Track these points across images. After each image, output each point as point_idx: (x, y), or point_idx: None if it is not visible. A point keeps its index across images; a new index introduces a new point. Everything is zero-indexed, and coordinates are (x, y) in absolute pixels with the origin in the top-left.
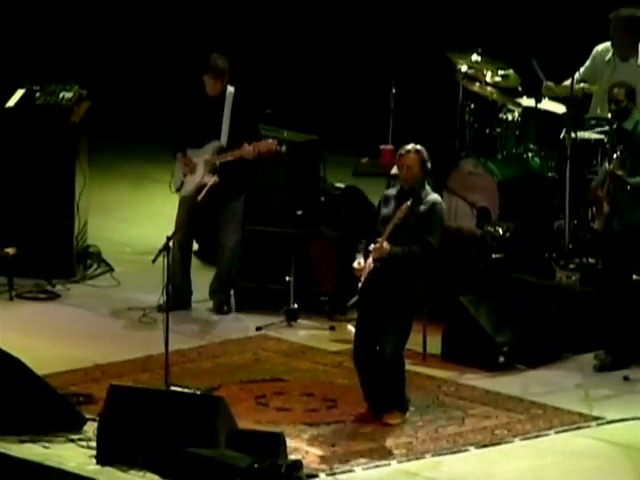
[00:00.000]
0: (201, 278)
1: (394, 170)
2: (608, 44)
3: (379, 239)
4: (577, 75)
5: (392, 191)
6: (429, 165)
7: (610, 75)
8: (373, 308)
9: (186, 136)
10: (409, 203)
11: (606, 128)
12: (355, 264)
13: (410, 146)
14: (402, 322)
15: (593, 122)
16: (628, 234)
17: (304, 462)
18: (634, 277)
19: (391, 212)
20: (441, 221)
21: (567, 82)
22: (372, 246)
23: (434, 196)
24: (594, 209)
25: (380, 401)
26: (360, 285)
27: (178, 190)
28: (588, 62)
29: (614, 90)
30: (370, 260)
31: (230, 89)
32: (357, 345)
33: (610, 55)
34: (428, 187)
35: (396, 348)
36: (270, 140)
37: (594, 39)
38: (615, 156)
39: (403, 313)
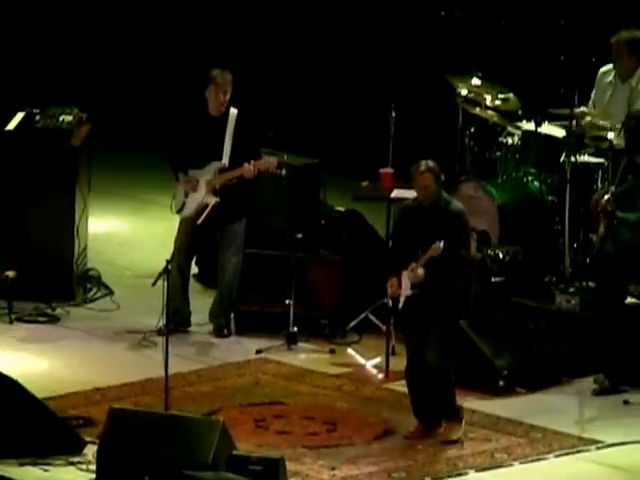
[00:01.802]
0: (201, 301)
1: (394, 194)
2: (610, 66)
3: (414, 264)
4: (590, 102)
5: (410, 205)
6: (442, 177)
7: (610, 96)
8: (417, 324)
9: (188, 156)
10: (441, 246)
11: (605, 146)
12: (388, 288)
13: (423, 166)
14: (443, 330)
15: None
16: (619, 256)
17: None
18: (629, 300)
19: (414, 226)
20: (467, 228)
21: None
22: (405, 273)
23: (455, 205)
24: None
25: (432, 415)
26: (400, 307)
27: (179, 211)
28: (595, 86)
29: (628, 121)
30: (407, 285)
31: (233, 110)
32: (409, 364)
33: (612, 77)
34: (445, 195)
35: (440, 356)
36: (270, 158)
37: (596, 62)
38: (609, 195)
39: (444, 321)
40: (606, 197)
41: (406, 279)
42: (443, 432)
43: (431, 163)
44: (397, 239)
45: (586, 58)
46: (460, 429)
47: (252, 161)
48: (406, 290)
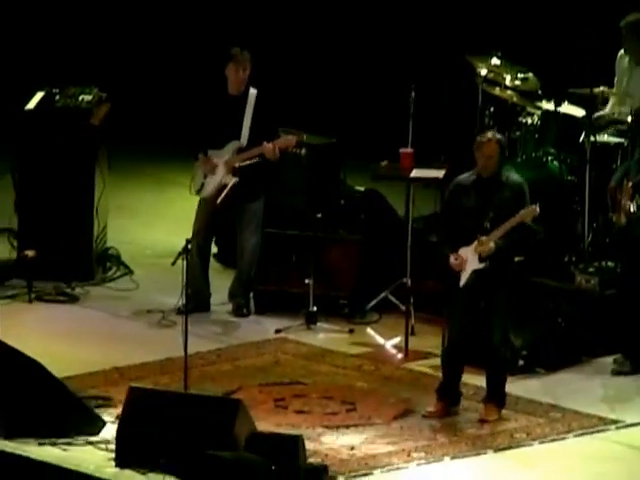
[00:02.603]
0: (220, 281)
1: (413, 173)
2: None
3: (483, 238)
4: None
5: (466, 179)
6: (506, 152)
7: (628, 80)
8: (475, 303)
9: (207, 137)
10: (537, 208)
11: (624, 127)
12: (452, 260)
13: (490, 134)
14: (507, 311)
15: (612, 121)
16: None
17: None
18: None
19: (474, 203)
20: (529, 199)
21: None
22: (472, 246)
23: (514, 177)
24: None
25: (455, 396)
26: (462, 282)
27: (198, 192)
28: (615, 69)
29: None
30: (473, 259)
31: (252, 90)
32: (451, 343)
33: (627, 60)
34: (503, 169)
35: (504, 338)
36: (289, 136)
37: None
38: (634, 203)
39: (507, 299)
40: (631, 208)
41: (472, 253)
42: (483, 411)
43: (498, 134)
44: (451, 214)
45: (596, 47)
46: (498, 414)
47: (272, 141)
48: (472, 265)
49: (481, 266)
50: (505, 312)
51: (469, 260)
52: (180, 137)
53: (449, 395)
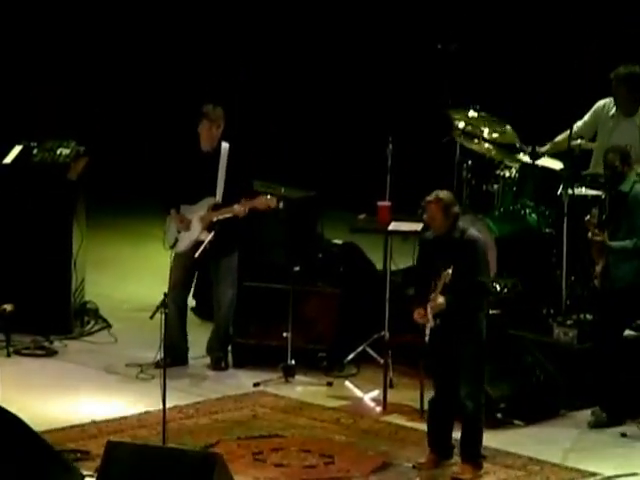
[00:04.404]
0: (198, 334)
1: (391, 227)
2: (611, 99)
3: (433, 295)
4: (574, 129)
5: (430, 235)
6: (455, 209)
7: (612, 131)
8: (445, 357)
9: (180, 192)
10: (450, 272)
11: (602, 180)
12: (415, 315)
13: (432, 196)
14: (476, 364)
15: (590, 179)
16: (618, 293)
17: None
18: (628, 333)
19: (433, 257)
20: (484, 255)
21: (558, 138)
22: (428, 304)
23: (470, 233)
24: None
25: (446, 449)
26: (426, 341)
27: (172, 246)
28: (587, 117)
29: (609, 155)
30: (430, 316)
31: (225, 145)
32: (436, 397)
33: (614, 111)
34: (462, 224)
35: (474, 390)
36: (268, 196)
37: (593, 93)
38: (593, 222)
39: (474, 354)
40: (597, 238)
41: (429, 312)
42: (458, 470)
43: (441, 194)
44: (420, 270)
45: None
46: (473, 474)
47: (244, 200)
48: (430, 322)
49: (432, 324)
50: (472, 367)
51: (429, 317)
52: (158, 191)
53: (439, 448)
